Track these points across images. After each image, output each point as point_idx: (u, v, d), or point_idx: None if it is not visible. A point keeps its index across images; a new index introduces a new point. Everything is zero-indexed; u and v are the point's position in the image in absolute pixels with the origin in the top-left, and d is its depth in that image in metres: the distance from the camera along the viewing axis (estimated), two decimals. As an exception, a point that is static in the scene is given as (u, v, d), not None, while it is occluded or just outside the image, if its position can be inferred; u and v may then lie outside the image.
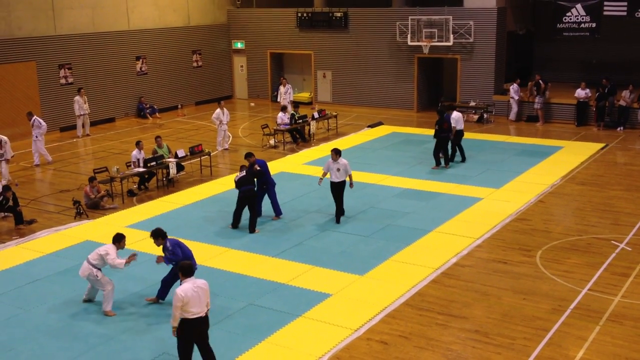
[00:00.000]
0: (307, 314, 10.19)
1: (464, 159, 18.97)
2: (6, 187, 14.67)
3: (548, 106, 24.17)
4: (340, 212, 14.28)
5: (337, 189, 14.14)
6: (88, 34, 24.66)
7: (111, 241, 10.48)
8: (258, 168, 13.96)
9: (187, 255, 10.29)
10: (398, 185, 16.84)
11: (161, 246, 10.37)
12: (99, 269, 10.37)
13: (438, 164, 18.34)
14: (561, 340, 9.29)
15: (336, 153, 14.03)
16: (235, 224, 13.89)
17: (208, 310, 8.46)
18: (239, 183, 13.74)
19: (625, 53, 25.65)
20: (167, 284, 10.61)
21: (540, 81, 23.87)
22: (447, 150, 18.46)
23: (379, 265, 11.96)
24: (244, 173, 13.82)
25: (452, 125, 18.43)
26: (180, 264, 8.48)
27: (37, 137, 19.52)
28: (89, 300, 10.79)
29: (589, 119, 23.52)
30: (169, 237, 10.40)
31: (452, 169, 18.22)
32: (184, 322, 8.21)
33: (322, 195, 16.11)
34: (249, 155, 14.18)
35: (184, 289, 8.12)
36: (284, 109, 22.13)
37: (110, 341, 9.54)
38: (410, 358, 8.96)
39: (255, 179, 14.01)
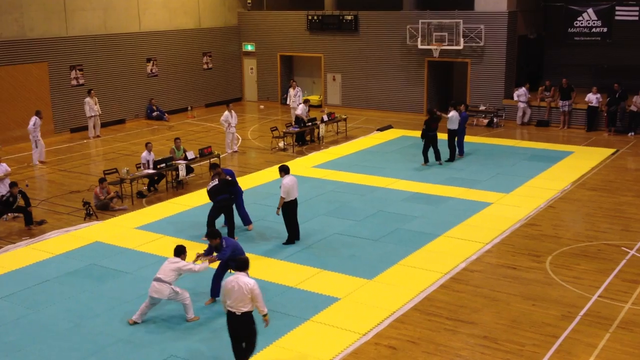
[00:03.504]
0: (315, 317, 10.18)
1: (451, 159, 19.42)
2: (12, 184, 14.71)
3: (558, 111, 24.09)
4: (290, 236, 13.26)
5: None
6: (99, 36, 24.78)
7: (173, 254, 10.18)
8: (229, 178, 13.54)
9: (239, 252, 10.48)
10: (407, 189, 16.81)
11: (216, 245, 10.38)
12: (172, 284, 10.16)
13: (426, 160, 19.09)
14: (571, 347, 9.24)
15: (280, 170, 13.15)
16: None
17: (265, 316, 8.41)
18: (212, 193, 13.27)
19: (637, 58, 25.49)
20: (217, 279, 10.70)
21: (571, 85, 23.61)
22: (437, 147, 19.13)
23: (388, 269, 11.94)
24: (215, 182, 13.30)
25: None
26: (237, 257, 8.85)
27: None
28: (136, 322, 10.13)
29: (599, 124, 23.41)
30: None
31: (462, 172, 18.17)
32: (227, 312, 8.45)
33: (331, 198, 16.13)
34: (214, 167, 13.74)
35: (228, 279, 8.41)
36: (306, 102, 22.82)
37: (119, 342, 9.56)
38: (419, 363, 8.94)
39: (229, 189, 13.58)
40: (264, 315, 8.44)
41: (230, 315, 8.34)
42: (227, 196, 13.40)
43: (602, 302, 10.58)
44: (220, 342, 9.45)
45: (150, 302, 10.14)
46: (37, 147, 19.92)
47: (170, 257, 10.26)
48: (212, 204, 13.40)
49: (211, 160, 18.20)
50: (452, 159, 19.39)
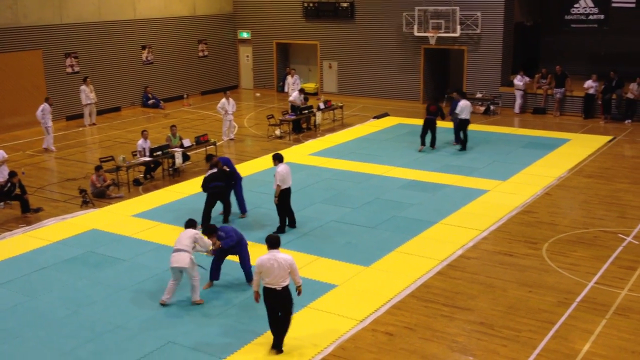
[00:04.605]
0: (313, 304, 10.20)
1: (463, 147, 19.24)
2: (12, 173, 14.72)
3: (554, 98, 24.07)
4: (281, 225, 13.14)
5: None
6: (94, 23, 24.62)
7: (185, 227, 10.39)
8: (227, 169, 13.51)
9: (240, 236, 10.85)
10: (404, 176, 16.81)
11: (214, 238, 10.48)
12: None
13: (422, 144, 19.12)
14: (567, 333, 9.28)
15: (274, 159, 13.02)
16: (206, 224, 12.69)
17: (299, 287, 8.90)
18: (207, 180, 13.23)
19: (634, 45, 25.47)
20: (216, 265, 10.80)
21: (565, 72, 23.63)
22: (435, 133, 19.21)
23: (385, 256, 11.96)
24: (214, 170, 13.28)
25: (457, 112, 19.13)
26: (270, 235, 8.91)
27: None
28: (165, 303, 10.23)
29: (596, 112, 23.40)
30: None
31: (459, 160, 18.17)
32: (263, 289, 8.73)
33: (328, 186, 16.13)
34: (210, 158, 13.66)
35: (261, 258, 8.66)
36: (301, 91, 22.93)
37: (116, 329, 9.57)
38: (416, 349, 8.96)
39: (225, 178, 13.57)
40: (299, 286, 8.93)
41: (270, 292, 8.66)
42: (220, 184, 13.38)
43: (599, 288, 10.61)
44: (215, 327, 9.48)
45: (174, 277, 10.18)
46: (49, 133, 19.89)
47: (183, 231, 10.37)
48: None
49: (207, 149, 18.21)
50: (463, 147, 19.21)
